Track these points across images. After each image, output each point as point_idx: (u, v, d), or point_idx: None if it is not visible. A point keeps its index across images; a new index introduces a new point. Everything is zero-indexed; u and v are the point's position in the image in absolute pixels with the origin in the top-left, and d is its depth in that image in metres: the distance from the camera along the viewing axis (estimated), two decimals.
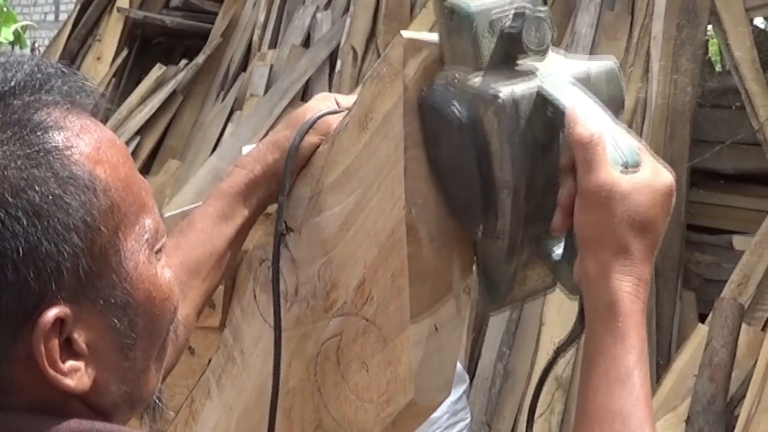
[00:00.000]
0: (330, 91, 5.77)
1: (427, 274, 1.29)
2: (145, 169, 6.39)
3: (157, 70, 6.77)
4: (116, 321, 0.96)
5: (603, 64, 1.22)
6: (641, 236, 1.10)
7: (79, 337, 0.93)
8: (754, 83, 4.56)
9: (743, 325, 3.89)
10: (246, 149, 1.49)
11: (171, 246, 1.35)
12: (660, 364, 4.29)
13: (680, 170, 4.61)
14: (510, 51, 1.20)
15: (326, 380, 1.39)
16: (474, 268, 1.30)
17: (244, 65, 6.60)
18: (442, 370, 1.32)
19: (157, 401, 1.06)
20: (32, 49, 9.43)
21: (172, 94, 6.64)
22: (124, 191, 0.96)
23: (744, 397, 3.74)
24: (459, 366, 3.13)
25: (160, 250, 1.01)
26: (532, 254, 1.24)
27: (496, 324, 4.47)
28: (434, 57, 1.26)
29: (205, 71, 6.70)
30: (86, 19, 7.12)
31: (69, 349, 0.93)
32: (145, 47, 7.35)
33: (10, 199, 0.90)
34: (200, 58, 6.70)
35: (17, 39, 6.89)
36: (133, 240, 0.97)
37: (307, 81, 6.09)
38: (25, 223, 0.89)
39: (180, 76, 6.68)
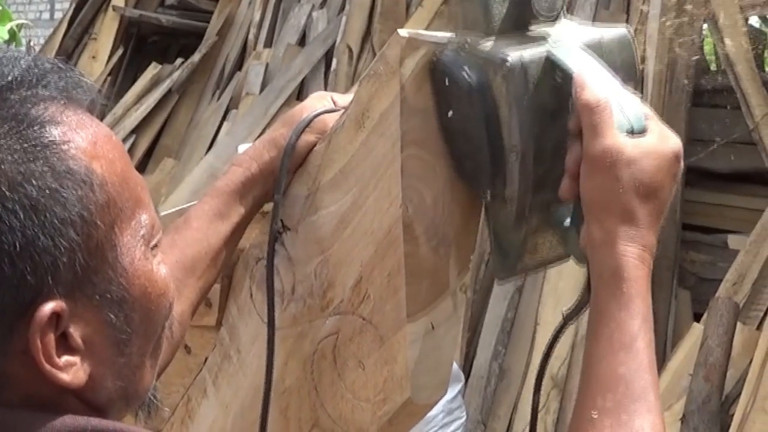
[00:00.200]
0: (325, 90, 5.76)
1: (423, 273, 1.29)
2: (141, 168, 6.38)
3: (153, 69, 6.76)
4: (112, 316, 0.96)
5: (616, 32, 1.23)
6: (647, 202, 1.10)
7: (75, 332, 0.94)
8: (749, 82, 4.56)
9: (738, 325, 3.89)
10: (242, 148, 1.49)
11: (167, 244, 1.35)
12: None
13: None
14: (521, 16, 1.20)
15: (323, 379, 1.39)
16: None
17: (239, 64, 6.59)
18: (439, 369, 1.32)
19: (152, 398, 1.06)
20: (28, 48, 9.42)
21: (168, 93, 6.63)
22: (121, 186, 0.97)
23: (739, 396, 3.74)
24: (454, 365, 3.13)
25: (156, 245, 1.01)
26: (542, 221, 1.24)
27: (492, 323, 4.47)
28: (431, 55, 1.26)
29: (200, 70, 6.69)
30: (82, 17, 7.11)
31: (65, 344, 0.93)
32: (141, 46, 7.34)
33: (7, 193, 0.90)
34: (196, 57, 6.69)
35: (12, 37, 6.89)
36: (129, 235, 0.97)
37: (303, 80, 6.08)
38: (22, 216, 0.90)
39: (175, 74, 6.67)
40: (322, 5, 6.32)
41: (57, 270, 0.91)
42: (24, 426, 0.93)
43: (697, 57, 4.90)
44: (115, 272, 0.96)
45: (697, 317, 4.24)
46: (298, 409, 1.42)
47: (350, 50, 5.92)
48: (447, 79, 1.22)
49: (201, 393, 1.56)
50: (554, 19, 1.21)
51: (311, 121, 1.41)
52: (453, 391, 3.53)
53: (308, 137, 1.40)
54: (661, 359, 4.26)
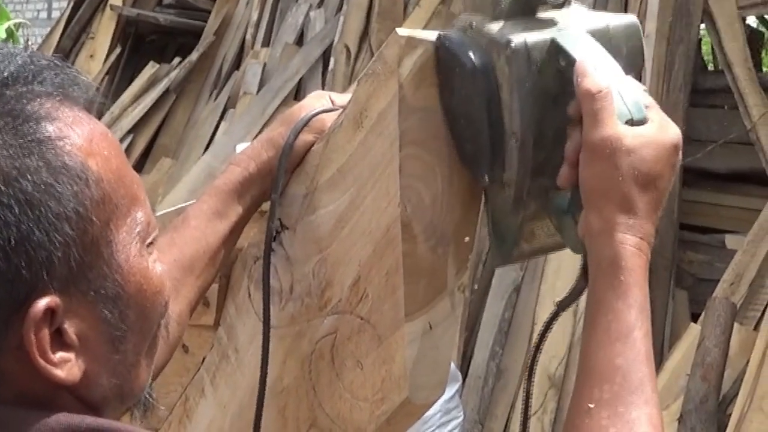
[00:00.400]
0: (323, 89, 5.75)
1: (421, 272, 1.29)
2: (138, 168, 6.38)
3: (150, 68, 6.76)
4: (107, 313, 0.96)
5: (624, 19, 1.22)
6: (646, 191, 1.10)
7: (70, 328, 0.94)
8: (746, 83, 4.57)
9: (735, 325, 3.90)
10: (240, 147, 1.49)
11: (165, 243, 1.35)
12: None
13: None
14: (528, 3, 1.20)
15: (321, 378, 1.39)
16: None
17: (237, 63, 6.59)
18: (437, 369, 1.32)
19: (148, 397, 1.06)
20: (25, 47, 9.40)
21: (165, 92, 6.63)
22: (116, 183, 0.97)
23: (736, 396, 3.75)
24: (452, 365, 3.13)
25: (151, 243, 1.01)
26: (540, 207, 1.23)
27: (489, 323, 4.47)
28: (429, 55, 1.26)
29: (198, 69, 6.69)
30: (79, 16, 7.11)
31: (59, 340, 0.93)
32: (138, 45, 7.34)
33: (2, 187, 0.90)
34: (193, 56, 6.69)
35: (10, 37, 6.88)
36: (125, 232, 0.98)
37: (301, 79, 6.08)
38: (17, 211, 0.90)
39: (173, 74, 6.67)
40: (319, 5, 6.32)
41: (52, 265, 0.91)
42: (18, 423, 0.92)
43: (695, 57, 4.91)
44: (110, 269, 0.96)
45: (695, 317, 4.24)
46: (296, 409, 1.42)
47: (348, 50, 5.92)
48: (451, 59, 1.22)
49: (199, 392, 1.56)
50: (562, 4, 1.20)
51: (309, 120, 1.41)
52: (450, 390, 3.53)
53: (306, 137, 1.40)
54: (659, 359, 4.27)
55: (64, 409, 0.94)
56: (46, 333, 0.92)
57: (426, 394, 1.31)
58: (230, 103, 6.35)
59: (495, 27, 1.19)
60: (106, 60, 6.99)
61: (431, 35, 1.27)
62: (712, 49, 5.35)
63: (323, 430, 1.39)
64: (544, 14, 1.21)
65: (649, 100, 1.14)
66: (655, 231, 1.12)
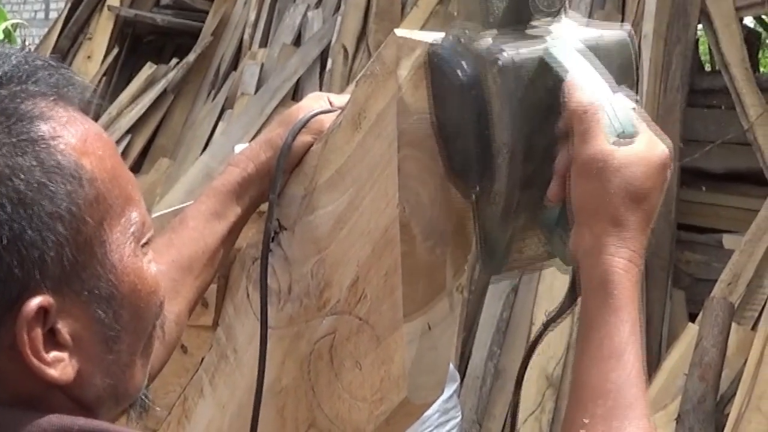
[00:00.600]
0: (321, 89, 5.76)
1: (420, 273, 1.29)
2: (136, 168, 6.37)
3: (148, 69, 6.75)
4: (101, 313, 0.96)
5: (615, 33, 1.21)
6: (636, 209, 1.10)
7: (64, 328, 0.94)
8: (743, 83, 4.57)
9: (733, 325, 3.90)
10: (239, 148, 1.49)
11: (163, 243, 1.35)
12: (650, 363, 4.30)
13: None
14: (520, 12, 1.19)
15: (319, 379, 1.39)
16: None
17: (234, 64, 6.59)
18: (435, 369, 1.32)
19: (143, 398, 1.06)
20: (22, 47, 9.39)
21: (163, 93, 6.63)
22: (111, 183, 0.97)
23: (734, 395, 3.75)
24: (450, 365, 3.13)
25: (146, 243, 1.01)
26: (530, 220, 1.23)
27: (487, 323, 4.48)
28: (429, 49, 1.26)
29: (195, 70, 6.68)
30: (77, 17, 7.10)
31: (53, 340, 0.93)
32: (136, 46, 7.33)
33: None
34: (191, 57, 6.69)
35: (7, 37, 6.89)
36: (119, 232, 0.97)
37: (298, 80, 6.08)
38: (9, 210, 0.90)
39: (171, 74, 6.67)
40: (317, 5, 6.32)
41: (44, 264, 0.91)
42: (10, 424, 0.92)
43: (692, 58, 4.91)
44: (104, 268, 0.96)
45: (692, 317, 4.25)
46: (294, 409, 1.42)
47: (345, 50, 5.92)
48: (443, 71, 1.21)
49: (198, 393, 1.56)
50: (555, 14, 1.20)
51: (308, 121, 1.41)
52: (448, 390, 3.53)
53: (305, 137, 1.41)
54: (656, 359, 4.27)
55: (58, 409, 0.94)
56: (39, 332, 0.92)
57: (425, 394, 1.31)
58: (228, 104, 6.34)
59: (487, 36, 1.18)
60: (103, 61, 6.98)
61: (429, 36, 1.27)
62: (710, 49, 5.36)
63: (322, 431, 1.39)
64: (537, 23, 1.20)
65: (639, 118, 1.13)
66: (646, 246, 1.11)
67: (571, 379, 1.11)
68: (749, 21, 6.71)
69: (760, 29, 7.09)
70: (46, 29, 8.00)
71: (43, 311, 0.92)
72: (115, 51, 7.06)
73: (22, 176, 0.91)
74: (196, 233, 1.38)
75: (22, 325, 0.91)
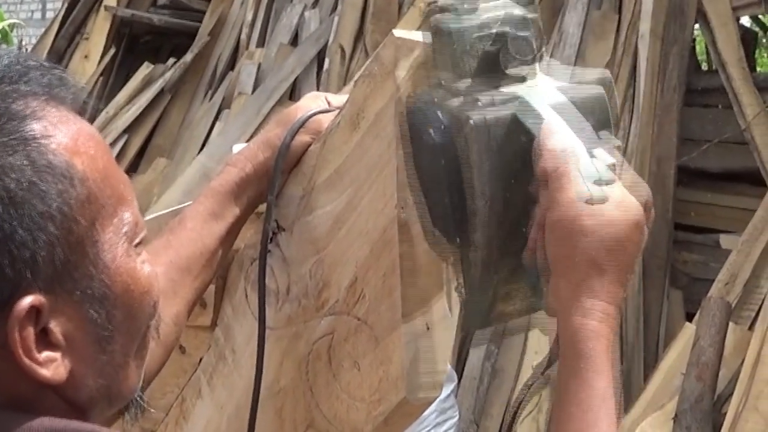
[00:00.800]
0: (318, 89, 5.76)
1: (418, 273, 1.29)
2: (133, 168, 6.37)
3: (145, 69, 6.75)
4: (93, 313, 0.96)
5: (591, 90, 1.18)
6: (606, 272, 1.08)
7: (56, 328, 0.93)
8: (740, 82, 4.57)
9: (730, 324, 3.90)
10: (237, 148, 1.49)
11: (161, 244, 1.35)
12: (648, 362, 4.30)
13: (667, 169, 4.62)
14: (492, 71, 1.17)
15: (318, 379, 1.39)
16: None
17: (232, 64, 6.59)
18: (434, 369, 1.32)
19: (138, 400, 1.06)
20: (19, 48, 9.40)
21: (160, 93, 6.62)
22: (102, 183, 0.97)
23: (731, 395, 3.75)
24: (448, 365, 3.13)
25: (139, 243, 1.01)
26: (513, 273, 1.20)
27: None
28: (426, 57, 1.26)
29: (192, 70, 6.68)
30: (74, 17, 7.10)
31: (45, 340, 0.93)
32: (133, 45, 7.33)
33: None
34: (188, 57, 6.68)
35: (4, 37, 6.88)
36: (111, 232, 0.97)
37: (295, 80, 6.08)
38: (0, 210, 0.90)
39: (168, 74, 6.66)
40: (314, 5, 6.32)
41: (36, 264, 0.91)
42: (1, 426, 0.92)
43: (689, 57, 4.91)
44: (96, 268, 0.96)
45: (690, 317, 4.25)
46: (293, 410, 1.42)
47: (343, 50, 5.92)
48: (417, 128, 1.20)
49: (196, 393, 1.56)
50: (530, 62, 1.17)
51: (306, 121, 1.41)
52: (446, 390, 3.53)
53: (303, 137, 1.40)
54: (654, 359, 4.27)
55: (50, 410, 0.94)
56: (30, 332, 0.91)
57: (423, 395, 1.31)
58: (225, 104, 6.34)
59: (461, 87, 1.16)
60: (100, 61, 6.98)
61: (428, 37, 1.27)
62: (706, 49, 5.36)
63: (320, 431, 1.39)
64: (512, 71, 1.18)
65: (615, 171, 1.11)
66: (618, 307, 1.09)
67: (549, 426, 1.10)
68: (746, 20, 6.72)
69: (757, 29, 7.09)
70: (43, 29, 7.98)
71: (35, 311, 0.92)
72: (112, 51, 7.05)
73: (13, 175, 0.91)
74: (194, 234, 1.38)
75: (14, 324, 0.90)
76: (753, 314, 4.02)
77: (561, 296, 1.10)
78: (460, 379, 4.34)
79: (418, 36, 1.28)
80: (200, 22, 6.93)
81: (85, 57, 6.97)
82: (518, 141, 1.13)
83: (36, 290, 0.91)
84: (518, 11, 1.19)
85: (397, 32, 1.28)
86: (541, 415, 4.17)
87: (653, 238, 4.54)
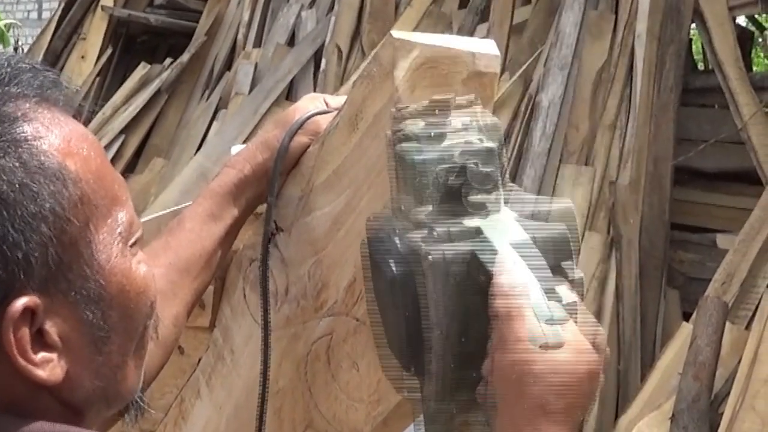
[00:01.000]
0: (315, 89, 5.76)
1: None
2: (130, 168, 6.38)
3: (142, 69, 6.75)
4: (89, 313, 0.96)
5: (553, 229, 1.15)
6: (554, 419, 1.03)
7: (51, 329, 0.93)
8: (737, 82, 4.58)
9: (727, 324, 3.90)
10: (235, 149, 1.48)
11: (160, 246, 1.35)
12: (645, 362, 4.30)
13: (664, 168, 4.63)
14: (454, 202, 1.15)
15: (316, 380, 1.39)
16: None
17: (228, 64, 6.59)
18: None
19: (138, 401, 1.06)
20: (15, 48, 9.40)
21: (157, 93, 6.63)
22: (96, 184, 0.97)
23: (728, 395, 3.75)
24: None
25: (135, 243, 1.01)
26: (471, 401, 1.15)
27: None
28: (424, 58, 1.26)
29: (189, 70, 6.68)
30: (70, 17, 7.10)
31: (41, 341, 0.93)
32: (130, 46, 7.33)
33: None
34: (185, 57, 6.69)
35: (1, 37, 6.87)
36: (106, 233, 0.97)
37: (292, 80, 6.08)
38: None
39: (164, 74, 6.67)
40: (311, 5, 6.33)
41: (29, 265, 0.91)
42: None
43: (686, 57, 4.92)
44: (91, 269, 0.96)
45: (686, 316, 4.25)
46: (291, 410, 1.42)
47: (339, 50, 5.93)
48: (377, 258, 1.18)
49: (194, 394, 1.56)
50: (490, 191, 1.14)
51: (304, 122, 1.40)
52: None
53: (301, 139, 1.40)
54: (651, 358, 4.28)
55: (45, 412, 0.94)
56: (26, 333, 0.91)
57: None
58: (222, 104, 6.35)
59: (416, 233, 1.14)
60: (97, 61, 6.98)
61: (427, 37, 1.27)
62: (703, 48, 5.37)
63: (319, 431, 1.40)
64: (474, 199, 1.15)
65: (566, 316, 1.06)
66: None
67: None
68: (742, 20, 6.73)
69: (753, 28, 7.11)
70: (39, 29, 7.99)
71: (29, 312, 0.91)
72: (109, 51, 7.06)
73: (5, 177, 0.91)
74: (193, 235, 1.38)
75: (8, 325, 0.90)
76: (750, 314, 4.02)
77: None
78: None
79: (416, 37, 1.28)
80: (197, 22, 6.94)
81: (82, 57, 6.97)
82: (476, 278, 1.10)
83: (30, 291, 0.91)
84: (483, 142, 1.16)
85: (396, 33, 1.28)
86: None
87: (650, 238, 4.55)
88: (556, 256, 1.12)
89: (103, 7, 7.06)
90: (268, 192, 1.40)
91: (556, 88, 4.74)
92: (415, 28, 5.47)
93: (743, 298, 4.07)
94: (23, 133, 0.93)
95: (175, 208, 1.52)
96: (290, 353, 1.42)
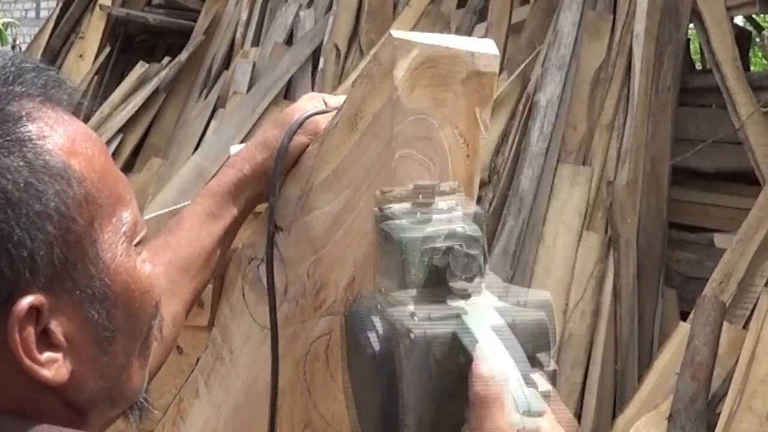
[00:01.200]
0: (313, 89, 5.77)
1: None
2: (128, 167, 6.38)
3: (140, 68, 6.75)
4: (94, 313, 0.96)
5: (532, 313, 1.15)
6: None
7: (57, 328, 0.93)
8: (735, 82, 4.58)
9: (725, 323, 3.90)
10: (234, 149, 1.48)
11: (160, 245, 1.35)
12: (642, 361, 4.31)
13: (662, 168, 4.63)
14: (438, 284, 1.15)
15: (315, 379, 1.39)
16: None
17: (226, 63, 6.60)
18: None
19: (143, 401, 1.06)
20: (13, 47, 9.39)
21: (155, 92, 6.63)
22: (100, 183, 0.97)
23: (725, 394, 3.76)
24: None
25: (139, 243, 1.01)
26: None
27: None
28: (424, 58, 1.26)
29: (187, 69, 6.69)
30: (68, 16, 7.10)
31: (46, 340, 0.93)
32: (128, 45, 7.34)
33: None
34: (183, 56, 6.69)
35: None
36: (110, 232, 0.97)
37: (290, 79, 6.08)
38: None
39: (163, 73, 6.67)
40: (309, 4, 6.33)
41: (34, 264, 0.91)
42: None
43: (684, 57, 4.92)
44: (96, 268, 0.96)
45: (684, 316, 4.26)
46: (290, 410, 1.42)
47: (337, 49, 5.93)
48: (356, 335, 1.17)
49: (193, 394, 1.56)
50: (471, 279, 1.14)
51: (303, 122, 1.40)
52: None
53: (300, 138, 1.40)
54: (648, 358, 4.28)
55: (49, 412, 0.94)
56: (31, 332, 0.91)
57: None
58: (220, 103, 6.35)
59: (403, 300, 1.14)
60: (95, 60, 6.98)
61: (426, 37, 1.27)
62: (701, 48, 5.37)
63: (318, 431, 1.40)
64: (455, 285, 1.14)
65: (543, 406, 1.06)
66: None
67: None
68: (740, 20, 6.73)
69: (751, 28, 7.11)
70: (37, 28, 7.99)
71: (35, 311, 0.91)
72: (107, 50, 7.06)
73: (9, 176, 0.91)
74: (192, 234, 1.38)
75: (14, 324, 0.90)
76: (747, 313, 4.03)
77: None
78: None
79: (416, 36, 1.28)
80: (195, 21, 6.94)
81: (80, 56, 6.97)
82: (456, 361, 1.10)
83: (35, 290, 0.91)
84: (466, 229, 1.16)
85: (395, 32, 1.28)
86: None
87: (648, 238, 4.55)
88: (534, 344, 1.12)
89: (101, 6, 7.06)
90: (269, 192, 1.40)
91: (554, 88, 4.75)
92: (413, 28, 5.47)
93: (741, 298, 4.08)
94: (28, 132, 0.93)
95: (174, 207, 1.52)
96: (289, 353, 1.42)
